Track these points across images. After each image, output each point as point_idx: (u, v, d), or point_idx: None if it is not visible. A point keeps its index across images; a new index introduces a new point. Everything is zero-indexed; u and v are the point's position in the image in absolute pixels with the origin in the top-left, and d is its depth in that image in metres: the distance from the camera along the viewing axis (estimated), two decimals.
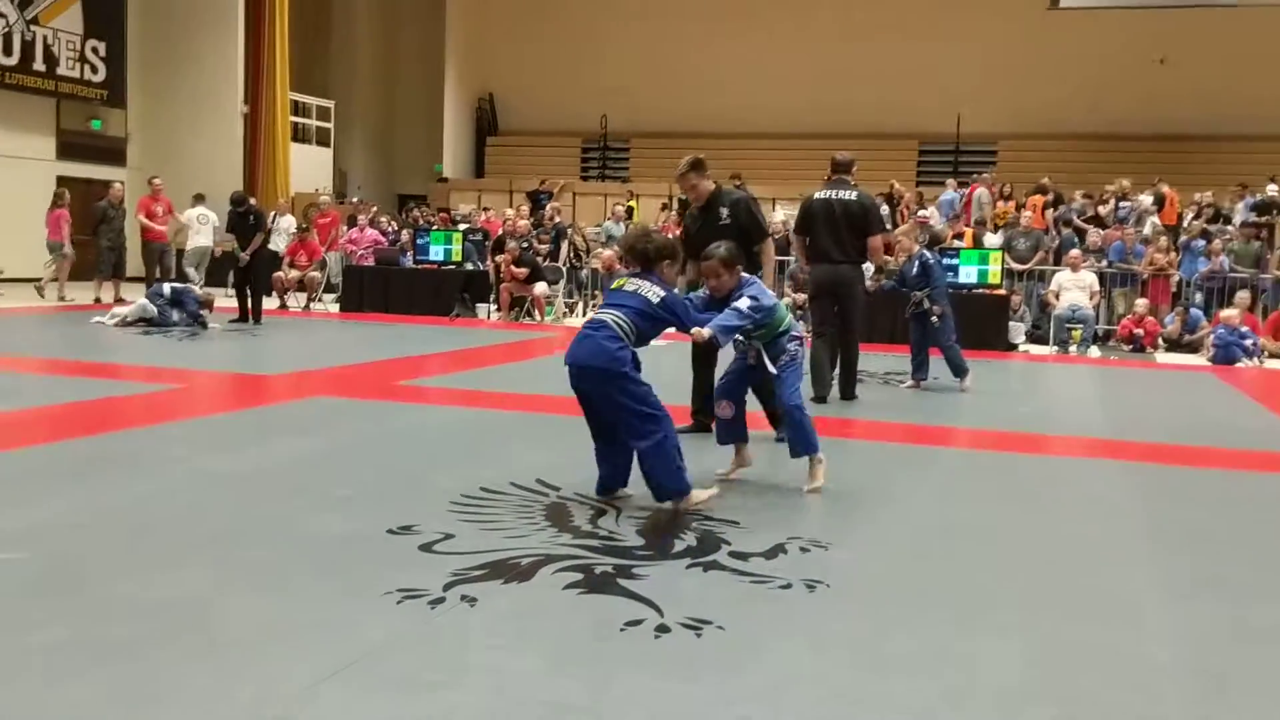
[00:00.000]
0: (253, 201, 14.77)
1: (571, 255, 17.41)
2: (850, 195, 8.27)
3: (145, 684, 2.82)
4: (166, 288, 12.95)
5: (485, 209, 19.47)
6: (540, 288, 15.45)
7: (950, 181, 20.16)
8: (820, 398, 7.95)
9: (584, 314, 16.42)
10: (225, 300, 14.10)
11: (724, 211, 6.53)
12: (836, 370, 8.33)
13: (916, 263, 9.54)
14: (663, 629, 3.35)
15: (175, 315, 12.51)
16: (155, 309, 12.42)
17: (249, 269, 13.55)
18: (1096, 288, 14.67)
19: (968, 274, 14.01)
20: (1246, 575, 4.18)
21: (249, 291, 13.51)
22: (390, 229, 18.35)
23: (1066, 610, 3.69)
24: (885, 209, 16.20)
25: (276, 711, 2.69)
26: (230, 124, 22.50)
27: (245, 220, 13.70)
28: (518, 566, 3.91)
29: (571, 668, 3.03)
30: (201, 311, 12.67)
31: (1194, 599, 3.87)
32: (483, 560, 3.95)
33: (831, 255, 8.22)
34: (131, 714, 2.67)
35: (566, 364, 4.76)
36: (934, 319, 9.32)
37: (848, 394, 8.37)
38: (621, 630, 3.33)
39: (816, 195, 8.36)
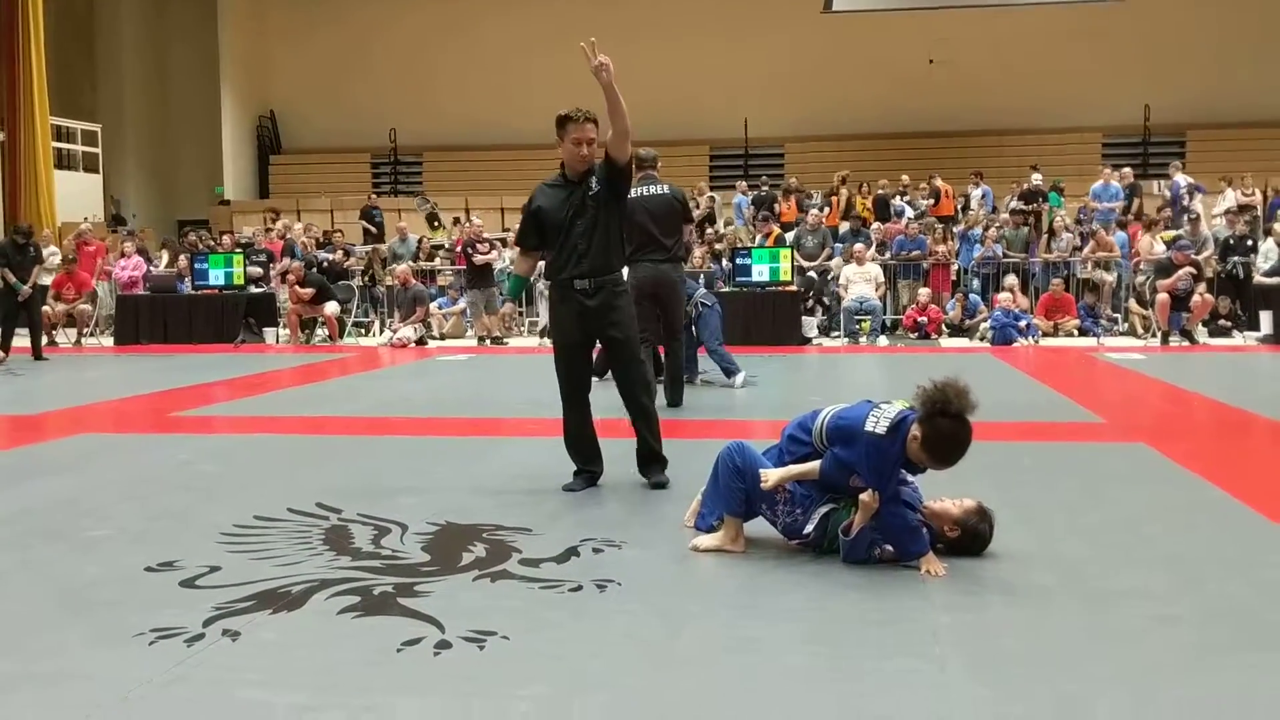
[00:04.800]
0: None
1: (373, 272, 16.87)
2: (660, 189, 7.78)
3: None
4: None
5: (268, 229, 18.66)
6: (330, 307, 14.92)
7: (740, 184, 20.58)
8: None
9: (381, 332, 15.98)
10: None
11: (593, 183, 5.13)
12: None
13: None
14: (443, 645, 3.18)
15: None
16: None
17: (30, 303, 12.90)
18: (881, 279, 15.21)
19: (760, 272, 14.30)
20: (1028, 543, 4.29)
21: (30, 327, 12.89)
22: (156, 256, 17.40)
23: (850, 587, 3.70)
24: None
25: None
26: None
27: (25, 252, 13.01)
28: (288, 595, 3.66)
29: (339, 696, 2.82)
30: None
31: (975, 564, 3.94)
32: (250, 591, 3.68)
33: (650, 255, 7.60)
34: None
35: None
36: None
37: (675, 401, 8.06)
38: (398, 651, 3.14)
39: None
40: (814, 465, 4.02)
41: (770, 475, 4.04)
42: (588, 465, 5.38)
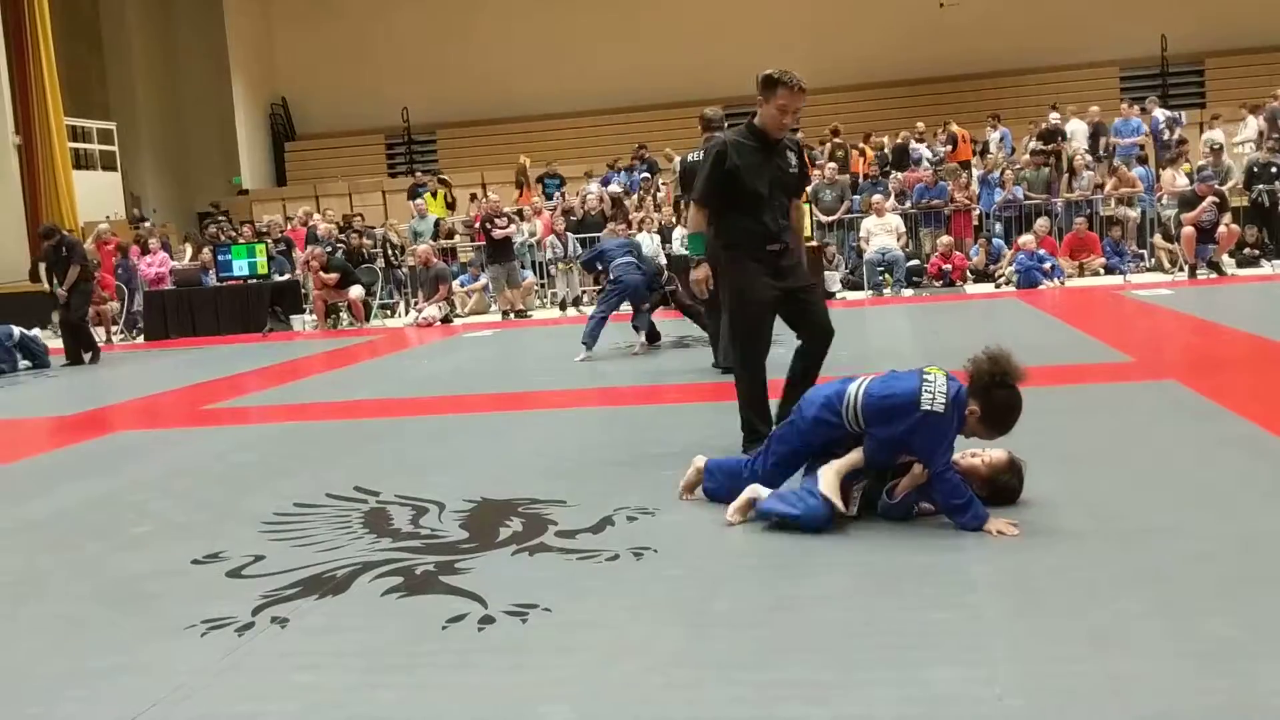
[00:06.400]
0: (66, 232, 13.79)
1: (392, 254, 16.92)
2: None
3: None
4: (16, 331, 12.11)
5: (289, 217, 18.75)
6: (355, 291, 15.00)
7: None
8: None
9: (406, 313, 16.06)
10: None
11: (792, 158, 5.24)
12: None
13: None
14: (487, 620, 3.24)
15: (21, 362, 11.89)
16: None
17: (69, 305, 12.60)
18: (903, 229, 15.12)
19: None
20: (1060, 487, 4.29)
21: (76, 329, 12.66)
22: (179, 250, 17.51)
23: (885, 543, 3.72)
24: None
25: None
26: (3, 158, 21.10)
27: (58, 253, 12.69)
28: (333, 579, 3.72)
29: (387, 676, 2.89)
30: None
31: (1009, 512, 3.95)
32: (295, 578, 3.75)
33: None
34: None
35: None
36: None
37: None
38: (443, 628, 3.20)
39: (690, 157, 7.21)
40: (858, 456, 3.94)
41: (832, 496, 3.84)
42: (766, 425, 5.04)
